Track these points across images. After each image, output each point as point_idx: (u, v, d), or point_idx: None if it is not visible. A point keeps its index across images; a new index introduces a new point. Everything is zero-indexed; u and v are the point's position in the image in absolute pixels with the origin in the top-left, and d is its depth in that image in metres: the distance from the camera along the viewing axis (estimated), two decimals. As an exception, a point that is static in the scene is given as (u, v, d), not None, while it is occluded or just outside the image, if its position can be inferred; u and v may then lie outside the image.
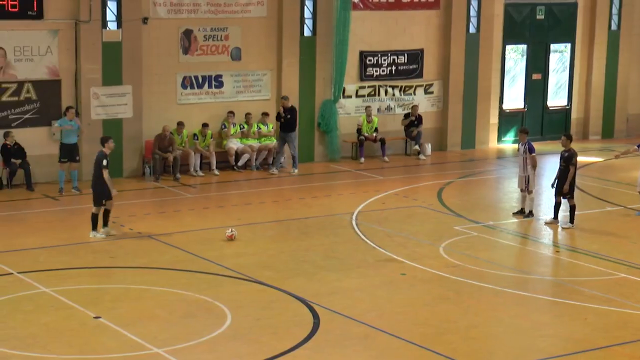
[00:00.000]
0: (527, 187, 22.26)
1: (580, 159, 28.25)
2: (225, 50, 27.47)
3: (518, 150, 22.72)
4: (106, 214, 20.14)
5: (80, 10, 24.99)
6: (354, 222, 21.80)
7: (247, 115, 27.61)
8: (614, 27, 33.55)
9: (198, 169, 26.54)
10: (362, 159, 29.04)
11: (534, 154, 22.15)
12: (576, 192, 23.66)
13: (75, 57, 25.26)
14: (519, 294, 17.09)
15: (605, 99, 33.75)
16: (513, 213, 22.72)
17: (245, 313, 15.69)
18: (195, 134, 26.65)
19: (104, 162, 19.76)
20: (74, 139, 24.26)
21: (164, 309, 15.88)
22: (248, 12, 27.61)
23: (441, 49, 30.81)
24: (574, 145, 22.07)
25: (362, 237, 20.60)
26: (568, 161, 21.44)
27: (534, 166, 22.19)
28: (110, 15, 25.47)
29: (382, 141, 29.31)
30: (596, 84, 33.61)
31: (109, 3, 25.36)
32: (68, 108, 24.37)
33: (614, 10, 33.47)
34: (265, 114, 27.78)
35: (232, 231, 20.18)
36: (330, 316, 15.65)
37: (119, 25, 25.56)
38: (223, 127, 27.40)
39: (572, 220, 21.60)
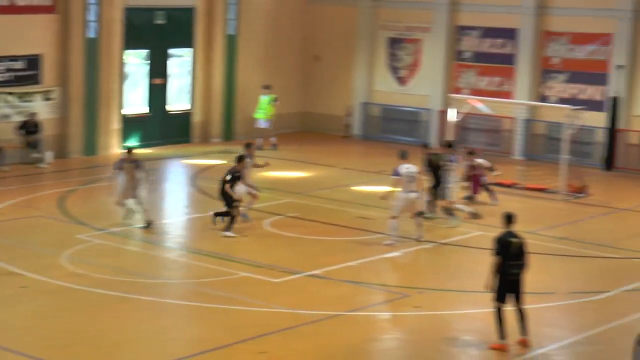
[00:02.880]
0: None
1: (202, 161, 28.87)
2: None
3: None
4: None
5: None
6: (-32, 236, 20.89)
7: None
8: (231, 31, 34.34)
9: None
10: (-21, 169, 27.90)
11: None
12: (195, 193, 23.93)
13: None
14: (145, 299, 17.08)
15: (225, 103, 34.48)
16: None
17: None
18: None
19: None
20: None
21: None
22: None
23: (60, 54, 30.16)
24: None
25: (-21, 250, 19.79)
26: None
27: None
28: None
29: (0, 150, 28.26)
30: (216, 87, 34.27)
31: None
32: None
33: (231, 15, 34.25)
34: None
35: None
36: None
37: None
38: None
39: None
